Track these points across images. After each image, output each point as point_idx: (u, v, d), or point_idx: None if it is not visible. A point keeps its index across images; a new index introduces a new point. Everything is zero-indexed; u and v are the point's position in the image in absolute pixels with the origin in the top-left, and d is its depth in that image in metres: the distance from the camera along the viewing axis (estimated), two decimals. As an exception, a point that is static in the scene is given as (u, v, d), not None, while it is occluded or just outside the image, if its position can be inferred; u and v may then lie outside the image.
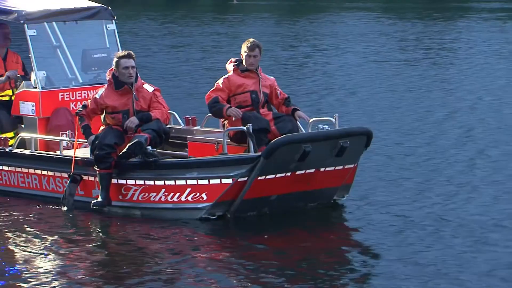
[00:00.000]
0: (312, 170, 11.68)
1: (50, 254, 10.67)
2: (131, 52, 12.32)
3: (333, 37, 42.27)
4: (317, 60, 32.63)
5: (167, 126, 12.70)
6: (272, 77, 12.90)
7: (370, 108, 22.66)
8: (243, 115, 12.05)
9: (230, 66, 12.58)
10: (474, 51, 33.47)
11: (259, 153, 11.25)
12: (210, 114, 12.93)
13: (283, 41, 40.86)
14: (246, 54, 12.35)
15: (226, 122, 12.32)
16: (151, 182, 11.90)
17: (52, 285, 9.22)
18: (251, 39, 12.62)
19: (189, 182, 11.73)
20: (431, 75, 28.65)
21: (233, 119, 12.25)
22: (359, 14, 54.57)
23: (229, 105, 12.17)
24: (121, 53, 12.25)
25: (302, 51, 35.92)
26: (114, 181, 11.99)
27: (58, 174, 12.65)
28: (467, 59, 32.35)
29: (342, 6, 60.53)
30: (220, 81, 12.43)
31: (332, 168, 11.90)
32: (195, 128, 13.59)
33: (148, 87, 12.31)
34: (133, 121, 11.55)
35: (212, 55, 35.43)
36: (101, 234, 11.77)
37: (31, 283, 9.30)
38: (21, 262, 10.46)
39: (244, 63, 12.40)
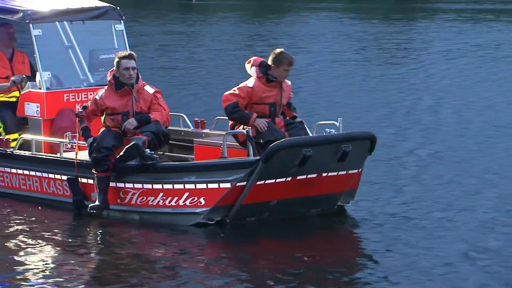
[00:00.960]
0: (314, 175, 11.44)
1: (46, 257, 10.61)
2: (133, 53, 12.14)
3: (292, 36, 42.45)
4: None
5: (168, 128, 12.38)
6: (289, 83, 12.59)
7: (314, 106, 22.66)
8: (265, 134, 11.90)
9: (253, 71, 12.17)
10: (428, 51, 34.55)
11: (258, 157, 11.00)
12: (225, 111, 12.40)
13: (241, 40, 41.51)
14: (281, 67, 12.03)
15: (240, 127, 12.01)
16: (149, 186, 11.75)
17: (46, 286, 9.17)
18: (288, 54, 12.28)
19: (187, 186, 11.57)
20: (378, 75, 29.07)
21: (256, 128, 12.00)
22: (322, 15, 55.03)
23: (256, 115, 11.93)
24: (122, 53, 12.07)
25: (258, 51, 35.54)
26: (112, 184, 11.77)
27: (58, 176, 12.48)
28: (417, 58, 33.38)
29: (307, 6, 60.82)
30: (242, 87, 12.11)
31: (335, 173, 11.67)
32: (204, 131, 13.42)
33: (149, 89, 12.12)
34: (131, 122, 11.38)
35: (167, 53, 36.28)
36: (98, 238, 11.71)
37: (27, 284, 9.19)
38: (17, 263, 10.25)
39: (273, 73, 12.05)
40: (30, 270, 9.91)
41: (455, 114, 21.80)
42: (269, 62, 11.86)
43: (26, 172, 13.23)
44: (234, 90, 11.92)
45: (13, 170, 13.38)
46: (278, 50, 12.15)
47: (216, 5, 64.37)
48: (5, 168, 13.42)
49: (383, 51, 35.18)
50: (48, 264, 10.37)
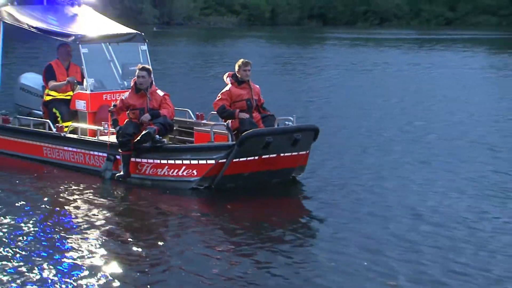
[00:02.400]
0: (274, 155, 12.75)
1: (82, 209, 12.09)
2: (146, 66, 13.44)
3: (239, 54, 43.15)
4: (202, 76, 34.46)
5: (173, 120, 13.59)
6: (257, 86, 13.78)
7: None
8: (241, 121, 13.26)
9: (228, 79, 13.47)
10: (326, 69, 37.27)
11: (234, 142, 12.44)
12: (216, 112, 13.73)
13: (187, 61, 42.74)
14: (241, 69, 13.27)
15: (229, 121, 13.28)
16: (158, 161, 13.02)
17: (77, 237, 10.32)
18: (243, 59, 13.62)
19: (184, 162, 12.88)
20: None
21: (239, 120, 13.37)
22: (250, 40, 61.23)
23: (238, 110, 13.36)
24: (139, 66, 13.33)
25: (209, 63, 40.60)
26: (132, 159, 13.02)
27: (95, 153, 13.90)
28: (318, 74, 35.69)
29: (241, 34, 67.90)
30: (223, 92, 13.47)
31: (289, 154, 12.98)
32: (203, 121, 14.61)
33: (160, 92, 13.27)
34: (146, 116, 12.71)
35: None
36: (122, 196, 13.08)
37: (61, 232, 10.59)
38: (67, 211, 11.88)
39: (239, 76, 13.29)
40: (73, 218, 11.55)
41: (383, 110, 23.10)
42: (235, 70, 13.44)
43: (73, 149, 14.44)
44: (219, 97, 13.37)
45: (65, 148, 14.62)
46: (238, 60, 13.82)
47: (171, 32, 66.86)
48: (60, 146, 14.78)
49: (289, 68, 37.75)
50: (82, 213, 11.89)
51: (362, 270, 8.93)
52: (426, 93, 28.15)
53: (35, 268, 9.05)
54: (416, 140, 18.15)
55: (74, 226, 11.08)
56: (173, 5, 77.95)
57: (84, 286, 8.75)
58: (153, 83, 13.55)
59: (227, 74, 13.62)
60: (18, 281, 8.75)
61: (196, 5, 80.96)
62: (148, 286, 8.76)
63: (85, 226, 11.07)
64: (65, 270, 9.10)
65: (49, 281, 8.84)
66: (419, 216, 11.55)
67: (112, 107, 13.45)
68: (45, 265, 9.37)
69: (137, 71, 13.16)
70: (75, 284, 8.69)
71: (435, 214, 11.84)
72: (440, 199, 12.80)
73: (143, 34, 15.68)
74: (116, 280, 8.60)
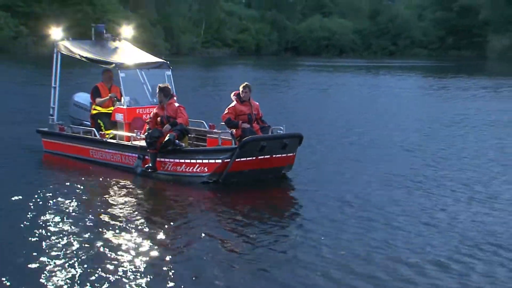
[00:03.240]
0: (268, 156, 13.90)
1: (116, 198, 12.98)
2: (161, 85, 14.67)
3: (220, 79, 48.65)
4: (207, 94, 36.20)
5: (188, 127, 14.60)
6: (257, 103, 14.79)
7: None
8: (243, 130, 14.28)
9: (233, 97, 14.64)
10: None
11: (237, 146, 13.68)
12: (224, 123, 14.65)
13: (195, 82, 44.11)
14: (242, 91, 14.50)
15: (233, 130, 14.51)
16: (178, 160, 14.20)
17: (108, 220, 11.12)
18: (245, 82, 14.86)
19: (198, 161, 14.01)
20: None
21: (241, 130, 14.30)
22: (240, 67, 66.87)
23: (241, 121, 14.35)
24: (159, 85, 14.72)
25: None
26: (158, 159, 14.20)
27: (129, 154, 15.15)
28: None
29: (233, 62, 74.10)
30: (229, 107, 14.60)
31: (280, 155, 14.12)
32: (214, 130, 15.57)
33: (176, 104, 14.50)
34: (167, 127, 14.01)
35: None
36: (150, 187, 14.11)
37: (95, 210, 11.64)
38: (105, 198, 12.79)
39: (241, 96, 14.55)
40: (110, 202, 12.48)
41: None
42: (240, 91, 14.61)
43: (112, 151, 15.65)
44: (226, 111, 14.48)
45: (106, 150, 15.77)
46: (242, 83, 14.83)
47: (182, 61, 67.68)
48: (102, 149, 15.88)
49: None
50: (117, 199, 12.81)
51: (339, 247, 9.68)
52: (369, 106, 31.63)
53: (79, 244, 9.75)
54: (355, 142, 20.13)
55: (110, 208, 12.15)
56: (180, 39, 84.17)
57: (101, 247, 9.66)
58: (174, 97, 14.46)
59: (233, 93, 14.52)
60: (68, 251, 9.47)
61: (198, 39, 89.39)
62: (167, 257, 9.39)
63: (119, 209, 12.09)
64: (105, 243, 9.87)
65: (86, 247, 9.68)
66: (358, 200, 12.61)
67: (148, 120, 14.64)
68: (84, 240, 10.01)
69: (160, 86, 14.45)
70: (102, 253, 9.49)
71: (354, 198, 13.01)
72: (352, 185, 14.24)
73: (168, 62, 16.27)
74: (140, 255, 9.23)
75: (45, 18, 61.43)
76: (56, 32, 17.39)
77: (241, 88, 14.38)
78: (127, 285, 8.25)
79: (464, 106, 31.11)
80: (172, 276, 8.64)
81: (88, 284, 8.27)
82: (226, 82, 43.03)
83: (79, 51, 16.66)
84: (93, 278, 8.49)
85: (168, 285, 8.41)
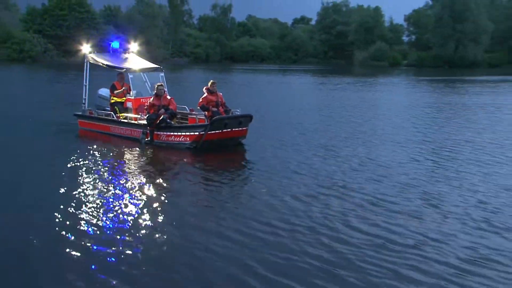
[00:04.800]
0: (230, 130, 15.36)
1: (126, 159, 14.47)
2: (161, 84, 15.75)
3: (186, 78, 54.58)
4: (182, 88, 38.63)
5: (176, 111, 15.94)
6: (221, 93, 16.00)
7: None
8: (213, 112, 15.41)
9: (205, 90, 15.81)
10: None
11: (208, 123, 15.12)
12: (199, 108, 15.75)
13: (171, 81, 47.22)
14: (211, 85, 15.76)
15: (206, 112, 15.67)
16: (168, 133, 15.58)
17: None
18: (212, 80, 15.91)
19: (182, 133, 15.46)
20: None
21: (211, 112, 15.44)
22: (197, 71, 73.55)
23: (211, 106, 15.58)
24: (158, 83, 15.90)
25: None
26: (155, 132, 15.65)
27: (136, 129, 16.44)
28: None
29: (192, 68, 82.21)
30: (203, 97, 15.61)
31: (237, 129, 15.58)
32: (193, 112, 16.63)
33: (168, 96, 15.75)
34: (162, 111, 15.43)
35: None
36: (150, 151, 15.33)
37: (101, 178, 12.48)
38: (114, 163, 14.02)
39: (210, 89, 15.78)
40: (123, 162, 14.02)
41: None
42: (209, 85, 15.73)
43: (125, 127, 16.83)
44: (200, 100, 15.74)
45: (121, 127, 16.97)
46: (210, 80, 16.12)
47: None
48: (118, 126, 17.05)
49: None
50: (127, 160, 14.22)
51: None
52: (280, 94, 37.26)
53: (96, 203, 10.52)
54: (279, 119, 22.70)
55: (122, 163, 13.90)
56: (156, 52, 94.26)
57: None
58: (166, 92, 16.15)
59: (205, 87, 16.03)
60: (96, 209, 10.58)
61: (167, 52, 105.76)
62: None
63: (128, 163, 13.89)
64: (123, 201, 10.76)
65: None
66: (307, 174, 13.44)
67: (146, 106, 16.05)
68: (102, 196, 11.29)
69: (157, 86, 15.96)
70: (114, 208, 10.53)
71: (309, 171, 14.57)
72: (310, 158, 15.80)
73: (162, 67, 17.73)
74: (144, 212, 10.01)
75: (65, 38, 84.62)
76: (85, 47, 18.98)
77: (210, 83, 16.03)
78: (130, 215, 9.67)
79: (337, 94, 39.01)
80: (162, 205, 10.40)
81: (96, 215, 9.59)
82: (192, 80, 49.85)
83: (101, 60, 18.32)
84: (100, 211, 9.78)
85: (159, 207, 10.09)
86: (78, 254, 7.99)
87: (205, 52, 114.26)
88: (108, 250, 8.14)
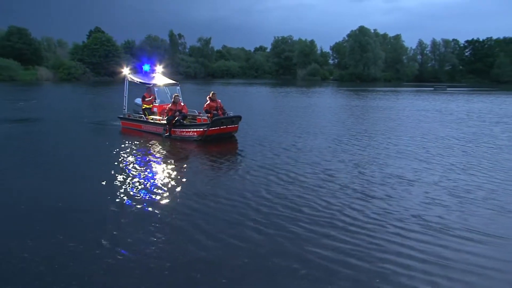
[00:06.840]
0: (225, 127, 17.60)
1: (152, 148, 16.19)
2: (178, 94, 17.98)
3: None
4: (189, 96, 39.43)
5: (187, 114, 18.13)
6: (219, 100, 18.20)
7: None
8: (213, 114, 17.59)
9: (207, 98, 18.04)
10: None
11: (210, 122, 17.31)
12: (204, 111, 17.98)
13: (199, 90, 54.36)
14: (212, 95, 18.11)
15: (208, 115, 17.99)
16: (182, 130, 17.79)
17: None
18: (213, 91, 18.04)
19: (192, 130, 17.56)
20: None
21: (213, 114, 17.70)
22: (190, 84, 79.61)
23: (212, 110, 17.79)
24: (175, 94, 18.28)
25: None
26: (173, 129, 17.91)
27: (160, 127, 18.69)
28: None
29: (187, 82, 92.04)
30: (206, 104, 17.81)
31: (231, 126, 17.80)
32: (200, 114, 18.68)
33: (182, 103, 17.94)
34: (177, 114, 17.70)
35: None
36: (168, 143, 17.15)
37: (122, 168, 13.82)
38: (137, 154, 15.75)
39: (211, 97, 18.06)
40: (150, 151, 15.77)
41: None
42: (210, 95, 17.92)
43: (152, 126, 19.00)
44: (205, 106, 18.15)
45: (149, 125, 19.07)
46: (210, 91, 18.08)
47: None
48: (147, 125, 19.17)
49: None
50: (152, 149, 15.88)
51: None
52: (247, 101, 41.35)
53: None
54: (255, 121, 24.51)
55: (149, 150, 15.58)
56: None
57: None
58: (181, 100, 18.69)
59: (207, 96, 18.32)
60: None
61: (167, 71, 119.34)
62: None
63: (153, 151, 15.58)
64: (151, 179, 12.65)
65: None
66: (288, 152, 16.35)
67: (167, 110, 18.29)
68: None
69: (174, 96, 18.43)
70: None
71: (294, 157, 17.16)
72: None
73: (178, 82, 20.03)
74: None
75: (98, 64, 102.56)
76: (125, 70, 21.46)
77: (211, 93, 18.53)
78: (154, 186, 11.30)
79: (285, 99, 45.00)
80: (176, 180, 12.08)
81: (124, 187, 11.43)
82: (189, 92, 52.73)
83: (136, 78, 20.80)
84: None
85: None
86: (116, 209, 9.62)
87: (193, 71, 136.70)
88: (138, 206, 9.71)
